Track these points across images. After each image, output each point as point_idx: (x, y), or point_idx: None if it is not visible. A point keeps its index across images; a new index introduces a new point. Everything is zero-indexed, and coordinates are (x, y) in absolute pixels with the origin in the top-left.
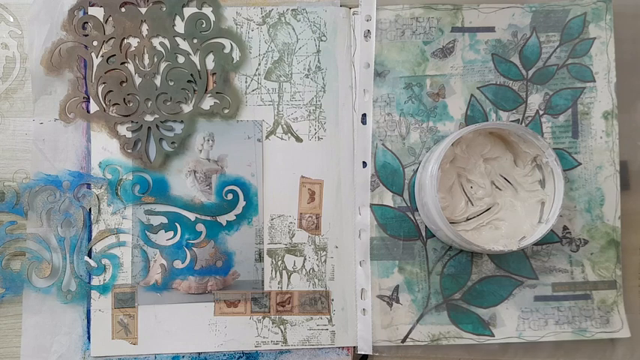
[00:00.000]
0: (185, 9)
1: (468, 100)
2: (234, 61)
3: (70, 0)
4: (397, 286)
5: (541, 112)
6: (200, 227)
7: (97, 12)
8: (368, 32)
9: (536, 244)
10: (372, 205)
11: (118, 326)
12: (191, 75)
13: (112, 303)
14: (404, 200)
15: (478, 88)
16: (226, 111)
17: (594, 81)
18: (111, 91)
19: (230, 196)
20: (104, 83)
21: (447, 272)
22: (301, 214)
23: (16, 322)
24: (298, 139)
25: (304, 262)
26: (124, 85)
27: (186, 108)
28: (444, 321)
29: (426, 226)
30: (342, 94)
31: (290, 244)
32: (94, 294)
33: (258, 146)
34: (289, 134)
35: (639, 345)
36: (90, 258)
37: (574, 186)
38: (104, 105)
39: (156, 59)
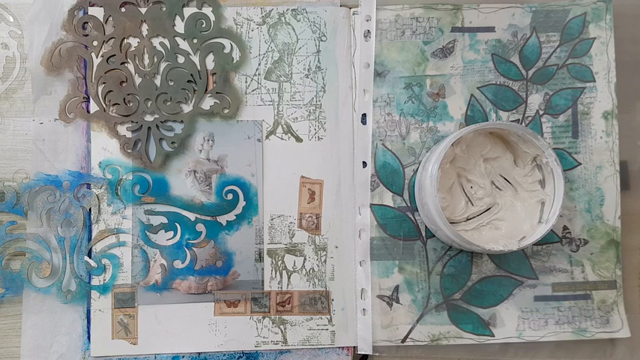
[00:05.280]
0: (185, 9)
1: (468, 100)
2: (234, 61)
3: (70, 0)
4: (397, 286)
5: (541, 112)
6: (200, 227)
7: (97, 12)
8: (368, 32)
9: (536, 244)
10: (372, 205)
11: (118, 326)
12: (191, 75)
13: (112, 303)
14: (404, 200)
15: (478, 88)
16: (226, 111)
17: (594, 81)
18: (111, 91)
19: (230, 196)
20: (104, 83)
21: (447, 272)
22: (301, 214)
23: (16, 322)
24: (298, 139)
25: (304, 262)
26: (124, 85)
27: (186, 108)
28: (444, 321)
29: (426, 226)
30: (342, 94)
31: (290, 244)
32: (94, 294)
33: (258, 146)
34: (289, 134)
35: (639, 345)
36: (90, 258)
37: (574, 186)
38: (104, 105)
39: (156, 59)
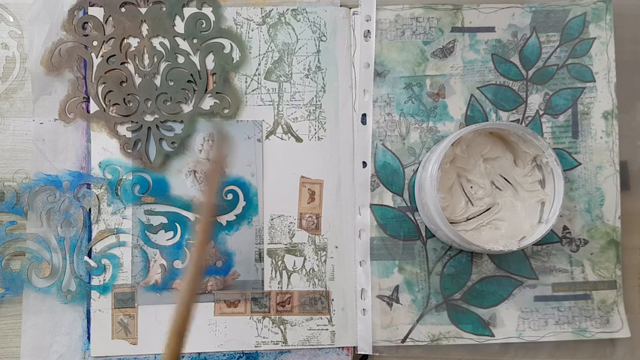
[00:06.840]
0: (185, 9)
1: (468, 100)
2: (234, 61)
3: (70, 0)
4: (397, 286)
5: (541, 112)
6: None
7: (97, 12)
8: (368, 32)
9: (536, 244)
10: (372, 205)
11: (118, 326)
12: (191, 75)
13: (112, 303)
14: (404, 200)
15: (478, 88)
16: (226, 111)
17: (594, 81)
18: (111, 91)
19: (230, 196)
20: (104, 83)
21: (447, 272)
22: (301, 214)
23: (16, 322)
24: (298, 139)
25: (304, 262)
26: (124, 85)
27: (186, 108)
28: (444, 321)
29: (426, 226)
30: (342, 94)
31: (290, 244)
32: (94, 294)
33: (258, 146)
34: (289, 134)
35: (639, 345)
36: (90, 258)
37: (574, 186)
38: (104, 105)
39: (156, 59)
